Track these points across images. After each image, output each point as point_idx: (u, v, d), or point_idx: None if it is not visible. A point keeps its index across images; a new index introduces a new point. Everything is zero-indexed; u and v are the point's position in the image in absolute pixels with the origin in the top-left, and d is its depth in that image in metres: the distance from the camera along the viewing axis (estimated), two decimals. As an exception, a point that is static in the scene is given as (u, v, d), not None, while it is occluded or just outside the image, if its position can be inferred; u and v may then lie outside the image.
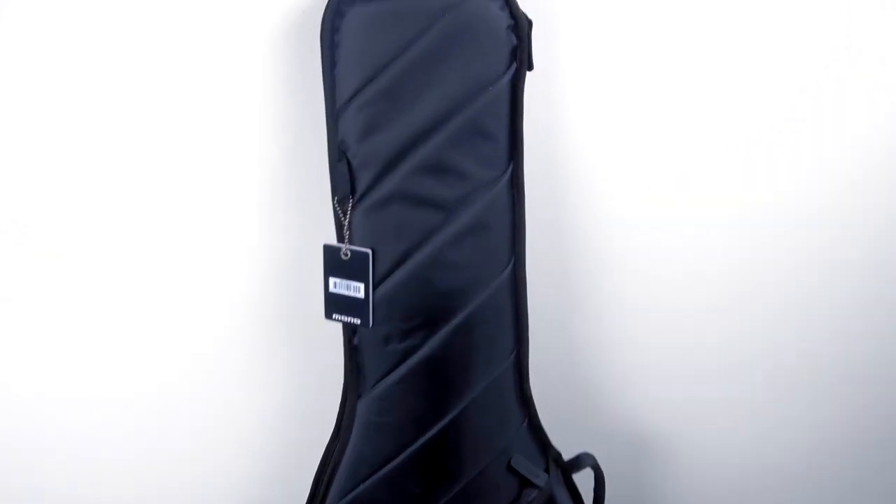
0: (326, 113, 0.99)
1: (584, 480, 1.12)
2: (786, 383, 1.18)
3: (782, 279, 1.13)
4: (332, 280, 1.03)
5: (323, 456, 1.08)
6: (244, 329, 1.11)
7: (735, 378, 1.18)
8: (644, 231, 1.14)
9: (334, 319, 1.04)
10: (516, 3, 0.98)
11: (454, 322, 1.02)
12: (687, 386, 1.19)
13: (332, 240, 1.02)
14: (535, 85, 1.03)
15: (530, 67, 1.01)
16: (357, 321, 1.02)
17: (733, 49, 1.08)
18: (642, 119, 1.10)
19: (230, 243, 1.10)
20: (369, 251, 1.00)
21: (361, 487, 1.04)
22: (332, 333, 1.06)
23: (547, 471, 1.09)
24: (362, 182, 0.99)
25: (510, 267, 1.04)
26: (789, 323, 1.15)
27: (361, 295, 1.01)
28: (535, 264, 1.07)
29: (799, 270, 1.12)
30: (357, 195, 0.99)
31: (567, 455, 1.10)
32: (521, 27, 0.98)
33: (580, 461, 1.13)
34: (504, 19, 0.97)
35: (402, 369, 1.01)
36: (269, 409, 1.16)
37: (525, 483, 1.08)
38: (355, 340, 1.04)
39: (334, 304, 1.03)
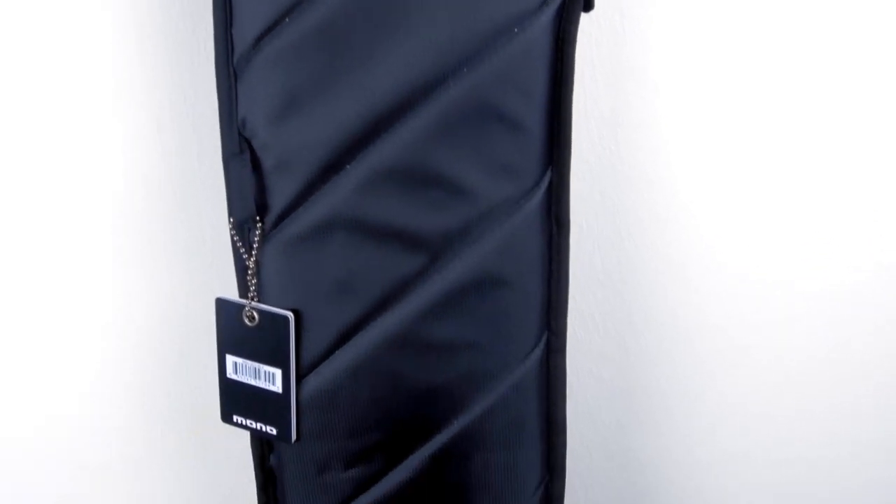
0: (217, 68, 0.55)
1: None
2: None
3: None
4: (230, 359, 0.60)
5: None
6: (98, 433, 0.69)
7: None
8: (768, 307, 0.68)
9: (236, 424, 0.61)
10: None
11: (439, 440, 0.60)
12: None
13: (231, 288, 0.58)
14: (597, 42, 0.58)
15: (588, 6, 0.55)
16: (272, 431, 0.59)
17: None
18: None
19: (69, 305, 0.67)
20: (289, 315, 0.56)
21: None
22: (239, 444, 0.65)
23: None
24: (280, 195, 0.56)
25: (541, 349, 0.61)
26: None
27: (278, 388, 0.58)
28: (584, 336, 0.68)
29: None
30: (271, 218, 0.56)
31: None
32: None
33: None
34: None
35: (349, 515, 0.60)
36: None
37: None
38: (271, 461, 0.62)
39: (235, 400, 0.61)
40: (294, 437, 0.60)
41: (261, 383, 0.60)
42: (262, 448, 0.63)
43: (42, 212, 0.66)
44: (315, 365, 0.59)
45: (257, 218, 0.57)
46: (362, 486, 0.61)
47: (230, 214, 0.57)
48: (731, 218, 0.68)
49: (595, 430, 0.74)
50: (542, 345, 0.61)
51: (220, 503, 0.74)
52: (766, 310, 0.70)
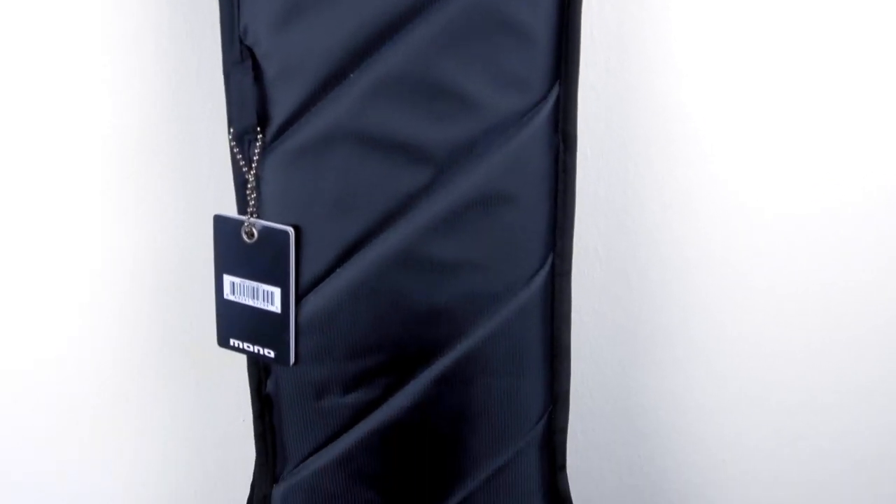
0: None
1: None
2: None
3: None
4: (228, 280, 0.59)
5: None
6: (90, 357, 0.69)
7: None
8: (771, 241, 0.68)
9: (232, 348, 0.59)
10: None
11: (441, 364, 0.59)
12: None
13: (230, 206, 0.56)
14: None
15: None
16: (269, 354, 0.58)
17: None
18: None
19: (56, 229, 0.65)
20: (290, 230, 0.55)
21: None
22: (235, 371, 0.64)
23: None
24: (282, 105, 0.55)
25: (545, 271, 0.60)
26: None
27: (277, 308, 0.57)
28: (586, 271, 0.66)
29: None
30: (272, 129, 0.54)
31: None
32: None
33: None
34: None
35: (347, 441, 0.60)
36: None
37: None
38: (268, 387, 0.61)
39: (232, 322, 0.60)
40: (292, 359, 0.59)
41: (259, 303, 0.58)
42: (259, 373, 0.61)
43: (33, 126, 0.64)
44: (315, 283, 0.57)
45: (258, 129, 0.55)
46: (362, 412, 0.60)
47: (230, 125, 0.56)
48: (740, 150, 0.67)
49: (597, 368, 0.73)
50: (546, 267, 0.60)
51: (216, 432, 0.72)
52: (776, 245, 0.69)
